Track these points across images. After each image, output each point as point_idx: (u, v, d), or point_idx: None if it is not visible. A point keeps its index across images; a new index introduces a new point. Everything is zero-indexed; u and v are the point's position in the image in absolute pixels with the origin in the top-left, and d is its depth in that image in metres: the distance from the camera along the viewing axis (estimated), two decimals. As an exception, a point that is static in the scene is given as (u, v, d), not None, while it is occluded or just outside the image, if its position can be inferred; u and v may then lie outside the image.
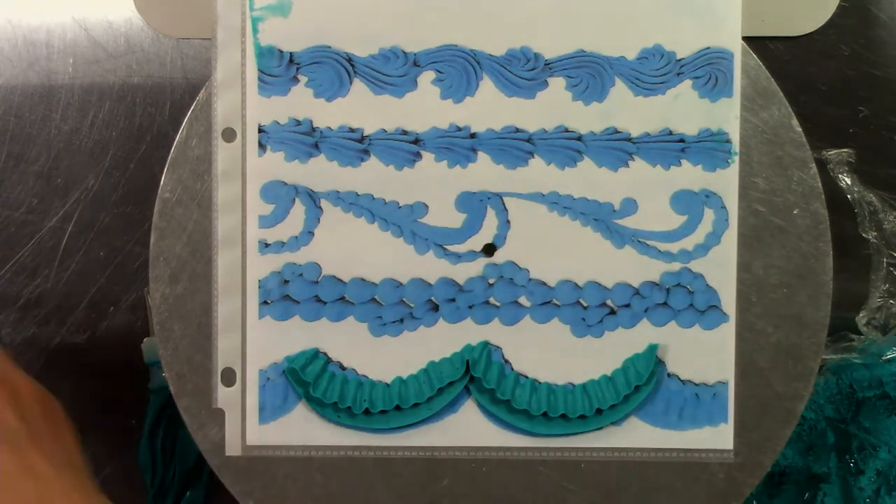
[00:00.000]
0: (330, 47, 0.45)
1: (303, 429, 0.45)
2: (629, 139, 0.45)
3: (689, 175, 0.45)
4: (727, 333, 0.45)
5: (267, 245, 0.45)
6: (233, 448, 0.45)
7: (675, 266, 0.45)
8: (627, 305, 0.45)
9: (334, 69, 0.45)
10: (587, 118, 0.45)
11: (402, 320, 0.45)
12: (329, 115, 0.45)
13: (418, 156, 0.45)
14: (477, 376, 0.45)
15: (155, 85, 0.48)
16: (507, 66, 0.45)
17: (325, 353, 0.45)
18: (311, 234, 0.45)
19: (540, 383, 0.45)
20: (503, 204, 0.45)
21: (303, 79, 0.45)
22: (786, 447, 0.46)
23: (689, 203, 0.45)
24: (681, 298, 0.45)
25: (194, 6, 0.46)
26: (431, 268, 0.45)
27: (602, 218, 0.45)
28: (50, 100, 0.47)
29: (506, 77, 0.45)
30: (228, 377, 0.45)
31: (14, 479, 0.34)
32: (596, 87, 0.45)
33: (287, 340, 0.45)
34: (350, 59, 0.45)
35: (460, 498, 0.45)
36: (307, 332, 0.45)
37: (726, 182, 0.45)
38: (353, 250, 0.45)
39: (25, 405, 0.37)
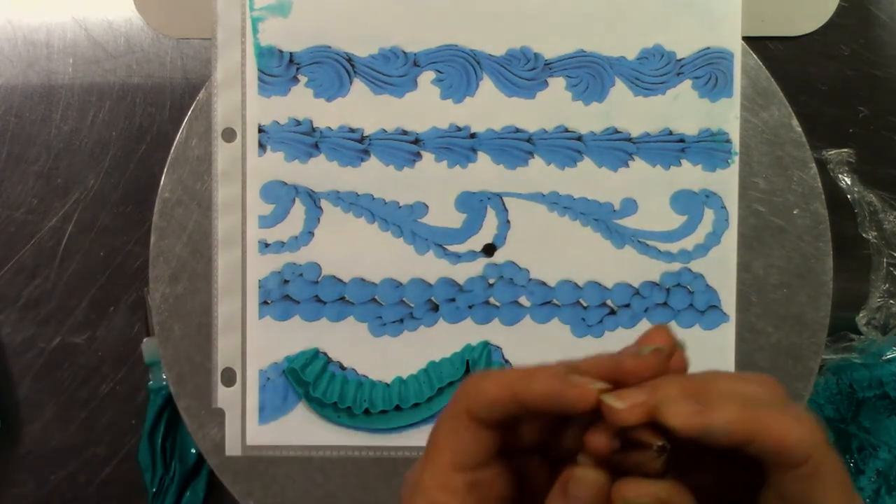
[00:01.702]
0: (330, 47, 0.45)
1: (303, 429, 0.45)
2: (629, 139, 0.45)
3: (689, 175, 0.45)
4: (727, 333, 0.45)
5: (267, 245, 0.45)
6: (233, 448, 0.45)
7: (675, 266, 0.45)
8: (627, 305, 0.45)
9: (334, 69, 0.45)
10: (587, 118, 0.45)
11: (402, 320, 0.45)
12: (329, 115, 0.45)
13: (418, 156, 0.45)
14: (477, 376, 0.44)
15: (155, 85, 0.48)
16: (507, 66, 0.45)
17: (325, 353, 0.45)
18: (311, 234, 0.45)
19: (540, 383, 0.45)
20: (503, 204, 0.45)
21: (303, 79, 0.45)
22: (786, 447, 0.45)
23: (689, 203, 0.45)
24: (681, 298, 0.45)
25: (194, 6, 0.46)
26: (431, 268, 0.45)
27: (602, 218, 0.45)
28: (50, 100, 0.47)
29: (506, 77, 0.45)
30: (228, 377, 0.45)
31: None
32: (596, 87, 0.45)
33: (287, 340, 0.45)
34: (350, 59, 0.45)
35: (460, 498, 0.45)
36: (307, 332, 0.45)
37: (726, 182, 0.45)
38: (353, 250, 0.45)
39: None
